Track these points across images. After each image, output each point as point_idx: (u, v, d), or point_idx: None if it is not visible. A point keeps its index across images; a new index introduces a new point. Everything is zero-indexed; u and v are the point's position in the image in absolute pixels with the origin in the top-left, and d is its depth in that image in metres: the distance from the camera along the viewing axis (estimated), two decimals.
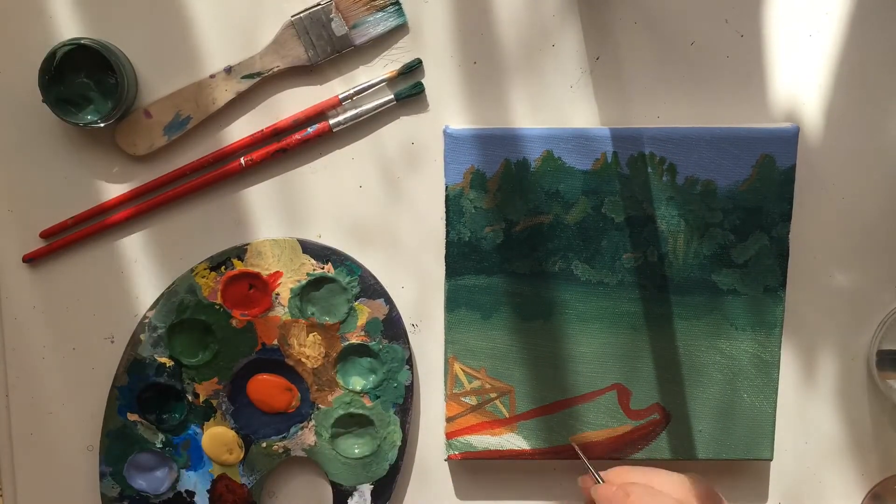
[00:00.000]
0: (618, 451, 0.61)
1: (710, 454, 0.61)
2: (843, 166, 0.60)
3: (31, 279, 0.61)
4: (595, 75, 0.59)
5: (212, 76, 0.58)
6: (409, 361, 0.60)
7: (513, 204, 0.58)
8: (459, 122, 0.59)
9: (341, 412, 0.61)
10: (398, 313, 0.60)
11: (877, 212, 0.60)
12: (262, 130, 0.59)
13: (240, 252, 0.59)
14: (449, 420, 0.61)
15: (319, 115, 0.59)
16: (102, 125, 0.57)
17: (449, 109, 0.59)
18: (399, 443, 0.61)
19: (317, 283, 0.60)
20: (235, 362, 0.60)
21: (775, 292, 0.59)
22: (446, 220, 0.59)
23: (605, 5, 0.58)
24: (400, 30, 0.58)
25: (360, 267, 0.59)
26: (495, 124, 0.59)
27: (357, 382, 0.61)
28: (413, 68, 0.58)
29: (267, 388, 0.61)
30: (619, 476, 0.55)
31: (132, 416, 0.61)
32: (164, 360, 0.60)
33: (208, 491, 0.62)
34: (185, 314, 0.60)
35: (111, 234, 0.60)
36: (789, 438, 0.63)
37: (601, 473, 0.56)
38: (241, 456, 0.61)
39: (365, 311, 0.60)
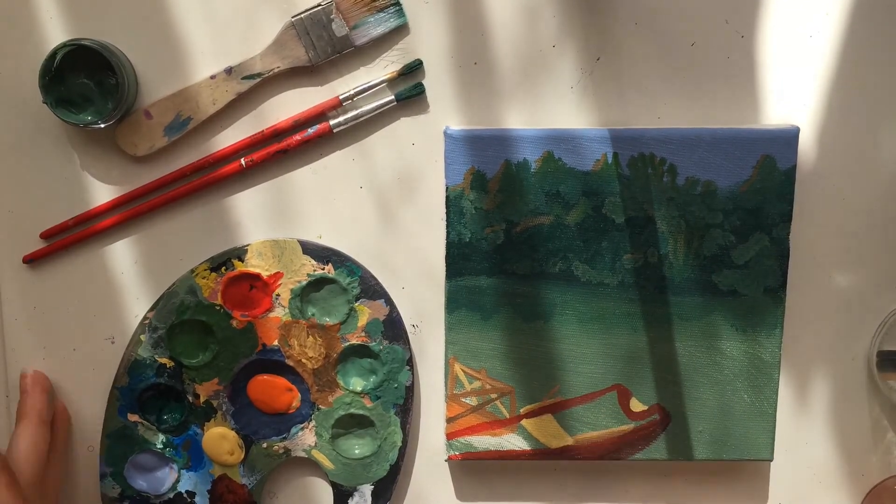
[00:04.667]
0: (618, 452, 0.61)
1: (711, 454, 0.61)
2: (843, 167, 0.60)
3: (31, 279, 0.61)
4: (595, 76, 0.59)
5: (212, 77, 0.58)
6: (410, 362, 0.60)
7: (513, 205, 0.58)
8: (460, 122, 0.59)
9: (342, 413, 0.61)
10: (398, 314, 0.60)
11: (877, 212, 0.60)
12: (263, 131, 0.59)
13: (240, 253, 0.59)
14: (449, 420, 0.61)
15: (320, 115, 0.59)
16: (103, 126, 0.57)
17: (449, 110, 0.59)
18: (399, 443, 0.61)
19: (317, 283, 0.60)
20: (236, 363, 0.60)
21: (776, 293, 0.59)
22: (447, 220, 0.59)
23: (605, 6, 0.58)
24: (400, 30, 0.58)
25: (360, 268, 0.59)
26: (495, 125, 0.59)
27: (357, 383, 0.61)
28: (413, 69, 0.58)
29: (267, 389, 0.61)
30: None
31: (133, 417, 0.61)
32: (164, 360, 0.60)
33: (209, 491, 0.62)
34: (185, 315, 0.60)
35: (111, 235, 0.60)
36: (789, 439, 0.63)
37: None
38: (242, 456, 0.61)
39: (365, 312, 0.60)
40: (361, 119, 0.59)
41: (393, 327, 0.60)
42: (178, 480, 0.62)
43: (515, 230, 0.59)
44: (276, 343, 0.60)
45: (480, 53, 0.58)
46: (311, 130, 0.59)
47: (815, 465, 0.63)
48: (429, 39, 0.58)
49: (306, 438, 0.61)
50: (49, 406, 0.60)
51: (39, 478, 0.57)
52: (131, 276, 0.61)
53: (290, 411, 0.61)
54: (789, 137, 0.57)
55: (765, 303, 0.59)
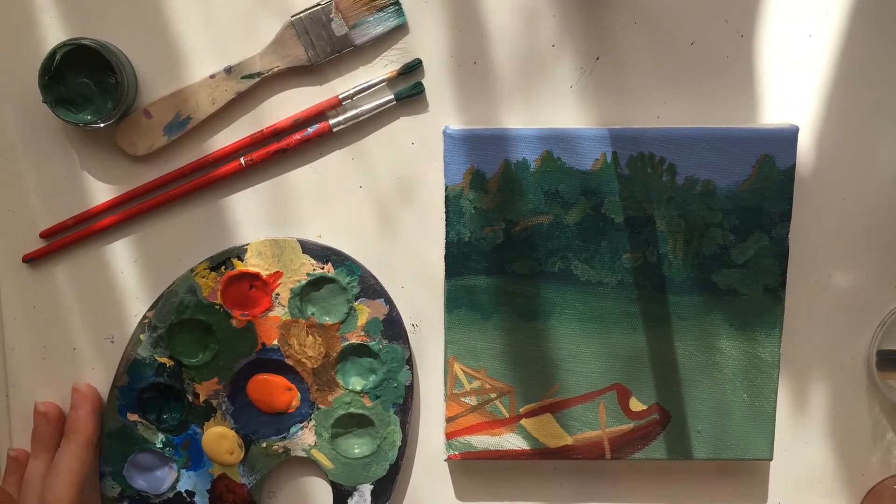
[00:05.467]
0: (618, 451, 0.61)
1: (710, 454, 0.61)
2: (843, 166, 0.60)
3: (31, 279, 0.61)
4: (595, 75, 0.59)
5: (212, 76, 0.58)
6: (409, 361, 0.60)
7: (512, 204, 0.58)
8: (459, 122, 0.59)
9: (341, 412, 0.61)
10: (398, 313, 0.60)
11: (877, 212, 0.60)
12: (262, 130, 0.59)
13: (240, 252, 0.59)
14: (449, 420, 0.61)
15: (319, 115, 0.59)
16: (102, 125, 0.57)
17: (449, 110, 0.59)
18: (399, 443, 0.61)
19: (317, 283, 0.60)
20: (235, 362, 0.60)
21: (775, 292, 0.59)
22: (446, 220, 0.59)
23: (605, 5, 0.58)
24: (400, 30, 0.58)
25: (359, 267, 0.59)
26: (495, 125, 0.59)
27: (357, 382, 0.61)
28: (413, 68, 0.58)
29: (267, 388, 0.61)
30: None
31: (132, 416, 0.61)
32: (164, 360, 0.60)
33: (208, 491, 0.62)
34: (185, 314, 0.60)
35: (111, 235, 0.60)
36: (789, 438, 0.63)
37: None
38: (242, 456, 0.61)
39: (365, 312, 0.60)
40: (361, 118, 0.59)
41: (392, 327, 0.60)
42: (177, 480, 0.62)
43: (515, 230, 0.59)
44: (275, 342, 0.60)
45: (480, 53, 0.58)
46: (310, 130, 0.59)
47: (815, 464, 0.63)
48: (428, 39, 0.58)
49: (306, 438, 0.61)
50: (97, 426, 0.60)
51: (78, 501, 0.57)
52: (131, 276, 0.61)
53: (290, 411, 0.61)
54: (788, 137, 0.57)
55: (764, 302, 0.59)
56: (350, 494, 0.62)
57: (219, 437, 0.61)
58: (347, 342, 0.60)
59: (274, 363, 0.60)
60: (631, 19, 0.58)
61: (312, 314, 0.60)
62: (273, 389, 0.61)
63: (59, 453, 0.58)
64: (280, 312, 0.60)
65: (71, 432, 0.59)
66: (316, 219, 0.60)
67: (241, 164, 0.59)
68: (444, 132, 0.58)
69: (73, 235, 0.60)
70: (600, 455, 0.61)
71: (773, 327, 0.59)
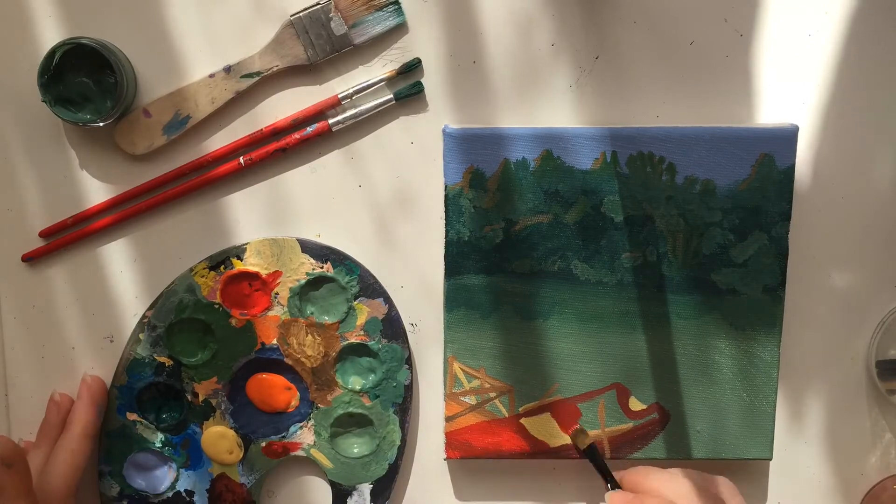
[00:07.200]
0: (617, 451, 0.61)
1: (709, 454, 0.61)
2: (842, 166, 0.60)
3: (31, 279, 0.61)
4: (594, 75, 0.59)
5: (211, 75, 0.58)
6: (409, 361, 0.60)
7: (512, 203, 0.58)
8: (458, 121, 0.59)
9: (340, 412, 0.61)
10: (397, 313, 0.60)
11: (876, 212, 0.60)
12: (262, 130, 0.59)
13: (239, 251, 0.59)
14: (448, 419, 0.61)
15: (319, 114, 0.59)
16: (102, 124, 0.57)
17: (448, 109, 0.59)
18: (398, 442, 0.61)
19: (316, 282, 0.60)
20: (235, 362, 0.60)
21: (775, 292, 0.59)
22: (445, 219, 0.59)
23: (604, 5, 0.58)
24: (399, 29, 0.58)
25: (359, 266, 0.59)
26: (494, 124, 0.59)
27: (356, 382, 0.61)
28: (412, 68, 0.58)
29: (266, 388, 0.61)
30: (637, 481, 0.55)
31: (131, 416, 0.61)
32: (163, 359, 0.60)
33: (207, 490, 0.62)
34: (184, 313, 0.60)
35: (110, 234, 0.60)
36: (788, 438, 0.63)
37: (618, 474, 0.56)
38: (241, 455, 0.61)
39: (364, 311, 0.60)
40: (360, 118, 0.59)
41: (392, 326, 0.60)
42: (176, 479, 0.62)
43: (514, 229, 0.58)
44: (274, 342, 0.60)
45: (479, 52, 0.58)
46: (309, 129, 0.59)
47: (814, 464, 0.63)
48: (427, 38, 0.58)
49: (305, 437, 0.61)
50: (97, 419, 0.60)
51: (71, 493, 0.57)
52: (130, 275, 0.61)
53: (289, 410, 0.61)
54: (788, 136, 0.57)
55: (764, 302, 0.59)
56: (349, 494, 0.62)
57: (218, 437, 0.61)
58: (346, 341, 0.60)
59: (273, 362, 0.60)
60: (630, 18, 0.58)
61: (311, 313, 0.60)
62: (272, 389, 0.61)
63: (56, 445, 0.58)
64: (279, 312, 0.60)
65: (69, 423, 0.59)
66: (315, 218, 0.60)
67: (240, 163, 0.59)
68: (444, 131, 0.58)
69: (73, 235, 0.60)
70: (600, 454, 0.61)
71: (773, 327, 0.59)
